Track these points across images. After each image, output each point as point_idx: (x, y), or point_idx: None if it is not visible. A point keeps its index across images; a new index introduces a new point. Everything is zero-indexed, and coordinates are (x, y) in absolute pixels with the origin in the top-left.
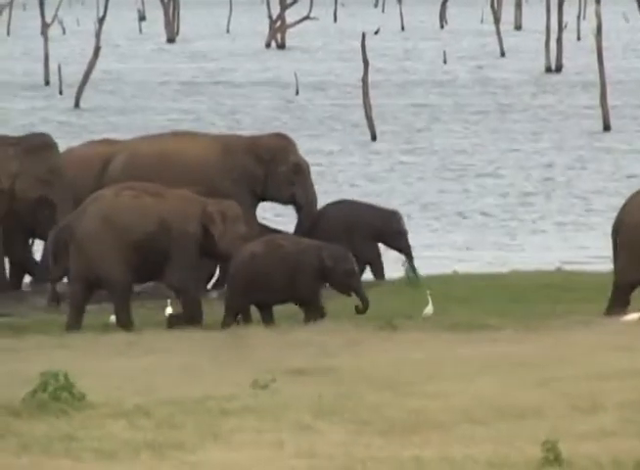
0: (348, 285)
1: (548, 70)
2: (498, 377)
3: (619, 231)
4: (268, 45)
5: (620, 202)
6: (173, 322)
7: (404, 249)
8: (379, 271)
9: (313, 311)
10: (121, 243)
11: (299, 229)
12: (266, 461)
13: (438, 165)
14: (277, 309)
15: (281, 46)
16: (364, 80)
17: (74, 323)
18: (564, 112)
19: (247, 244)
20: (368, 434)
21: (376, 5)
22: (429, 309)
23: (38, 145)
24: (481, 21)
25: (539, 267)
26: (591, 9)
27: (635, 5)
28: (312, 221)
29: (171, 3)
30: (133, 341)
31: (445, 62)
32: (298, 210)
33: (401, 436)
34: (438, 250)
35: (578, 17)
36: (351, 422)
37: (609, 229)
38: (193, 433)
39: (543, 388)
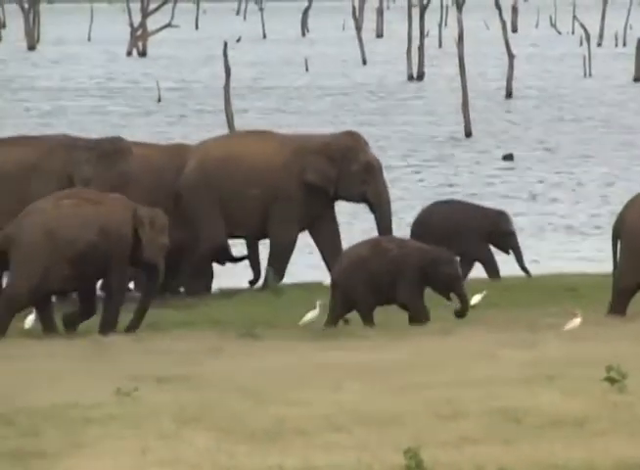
0: (452, 289)
1: (410, 77)
2: (360, 384)
3: (621, 235)
4: (130, 53)
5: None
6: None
7: (514, 249)
8: (493, 271)
9: (417, 314)
10: (62, 253)
11: (382, 229)
12: (130, 469)
13: None
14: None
15: (142, 54)
16: (226, 88)
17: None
18: (426, 119)
19: (351, 247)
20: (231, 442)
21: (237, 13)
22: (311, 316)
23: (112, 149)
24: (343, 28)
25: None
26: (453, 17)
27: (496, 12)
28: (418, 220)
29: (32, 10)
30: None
31: (307, 69)
32: (372, 209)
33: (264, 443)
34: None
35: (440, 24)
36: (214, 430)
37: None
38: (56, 441)
39: (405, 395)
